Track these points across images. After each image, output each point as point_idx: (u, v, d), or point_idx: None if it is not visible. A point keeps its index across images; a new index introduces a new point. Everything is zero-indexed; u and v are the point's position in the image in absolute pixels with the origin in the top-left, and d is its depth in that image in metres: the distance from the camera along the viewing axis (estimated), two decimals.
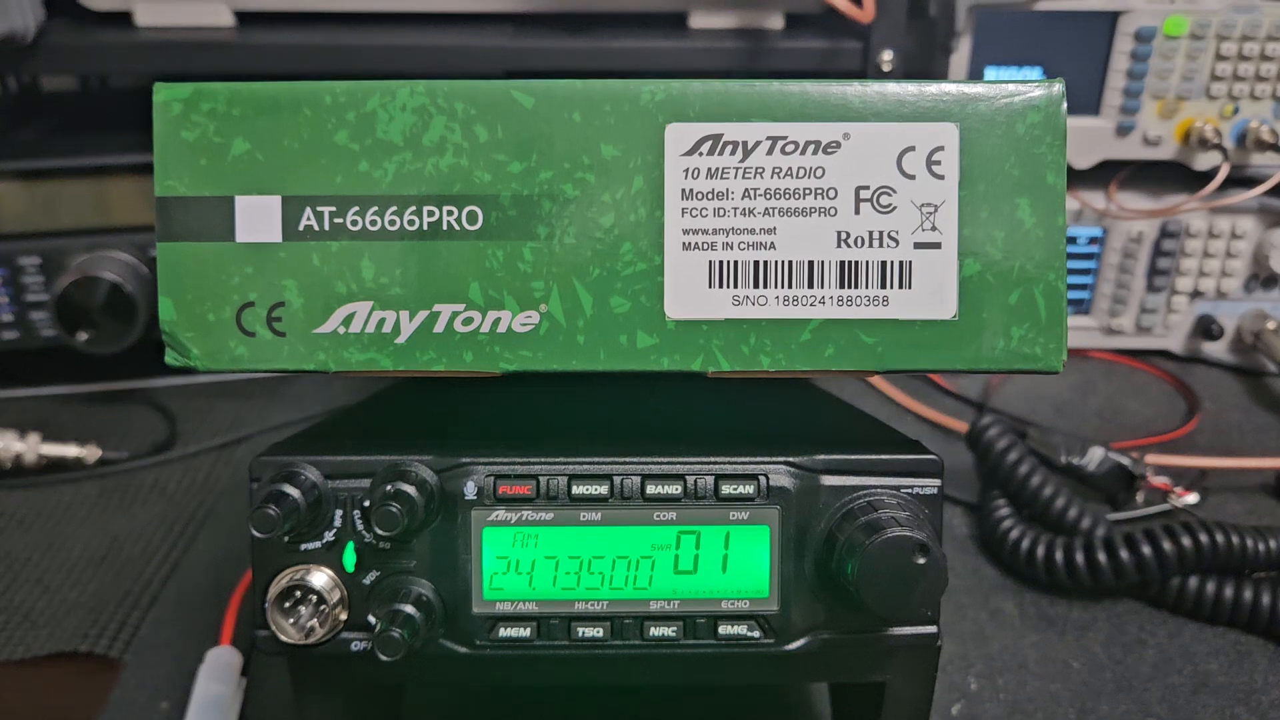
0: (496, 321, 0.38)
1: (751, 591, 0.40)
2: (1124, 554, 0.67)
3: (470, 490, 0.40)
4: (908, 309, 0.38)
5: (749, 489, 0.40)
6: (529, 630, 0.40)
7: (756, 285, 0.38)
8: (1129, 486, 0.77)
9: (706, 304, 0.38)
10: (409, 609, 0.38)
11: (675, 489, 0.40)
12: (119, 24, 0.89)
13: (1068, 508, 0.72)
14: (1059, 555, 0.70)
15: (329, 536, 0.40)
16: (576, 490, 0.40)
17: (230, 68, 0.89)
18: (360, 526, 0.40)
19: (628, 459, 0.40)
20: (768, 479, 0.40)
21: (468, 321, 0.38)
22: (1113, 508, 0.77)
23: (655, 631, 0.40)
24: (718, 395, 0.52)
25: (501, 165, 0.38)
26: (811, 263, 0.38)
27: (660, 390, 0.53)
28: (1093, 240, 0.95)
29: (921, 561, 0.37)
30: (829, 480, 0.41)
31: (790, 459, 0.40)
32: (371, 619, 0.39)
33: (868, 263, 0.38)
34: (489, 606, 0.40)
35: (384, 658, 0.37)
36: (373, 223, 0.38)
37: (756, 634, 0.40)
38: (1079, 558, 0.69)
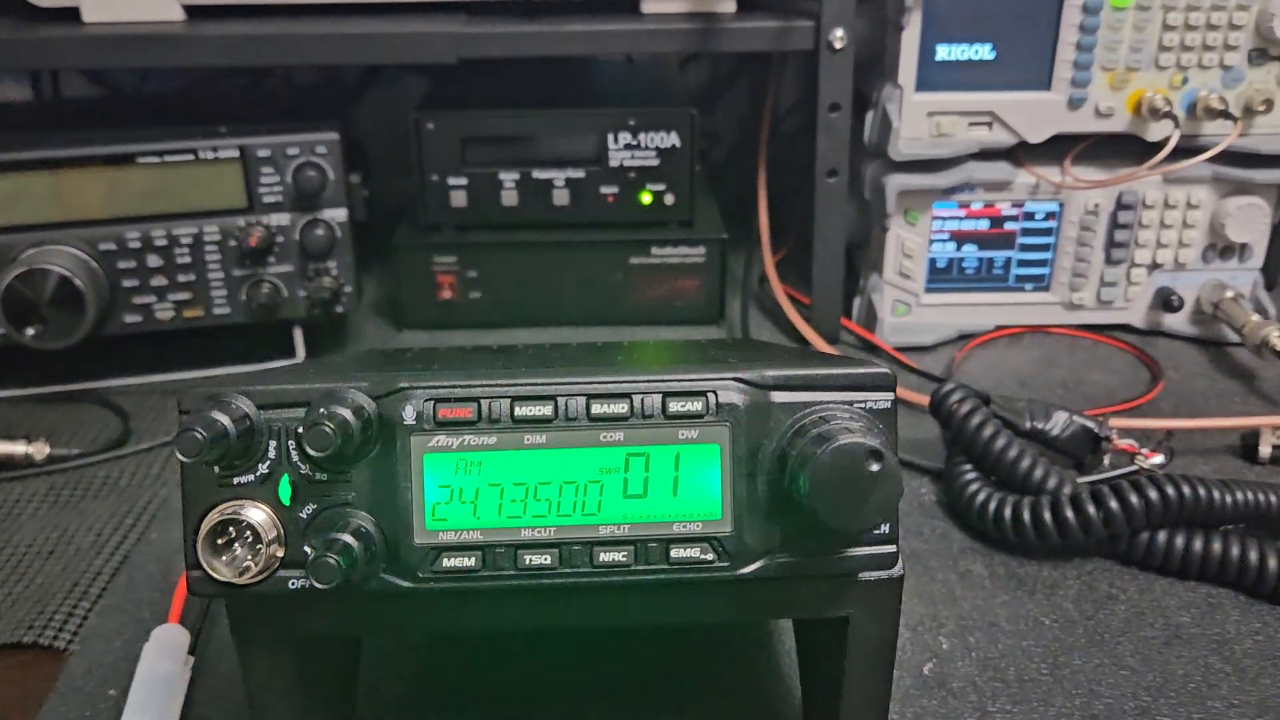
0: None
1: (704, 513, 0.39)
2: (1091, 510, 0.67)
3: (409, 415, 0.38)
4: None
5: (697, 405, 0.39)
6: (474, 559, 0.39)
7: None
8: (1095, 450, 0.77)
9: None
10: (347, 538, 0.37)
11: (622, 408, 0.39)
12: (66, 20, 0.88)
13: (1033, 468, 0.71)
14: (1026, 514, 0.69)
15: (263, 469, 0.39)
16: (520, 412, 0.39)
17: (180, 61, 0.88)
18: (296, 458, 0.39)
19: (572, 379, 0.39)
20: (717, 396, 0.39)
21: None
22: (1079, 472, 0.77)
23: (605, 557, 0.39)
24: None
25: None
26: None
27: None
28: (1049, 215, 0.95)
29: (875, 468, 0.36)
30: (780, 397, 0.40)
31: (740, 375, 0.39)
32: (308, 549, 0.38)
33: None
34: (432, 537, 0.39)
35: (318, 585, 0.36)
36: None
37: (710, 557, 0.39)
38: (1046, 516, 0.68)
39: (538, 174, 0.95)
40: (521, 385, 0.39)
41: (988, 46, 0.89)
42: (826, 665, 0.48)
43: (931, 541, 0.72)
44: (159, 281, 0.86)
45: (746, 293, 1.02)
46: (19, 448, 0.79)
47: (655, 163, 0.95)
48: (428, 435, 0.38)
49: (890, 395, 0.40)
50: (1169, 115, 0.88)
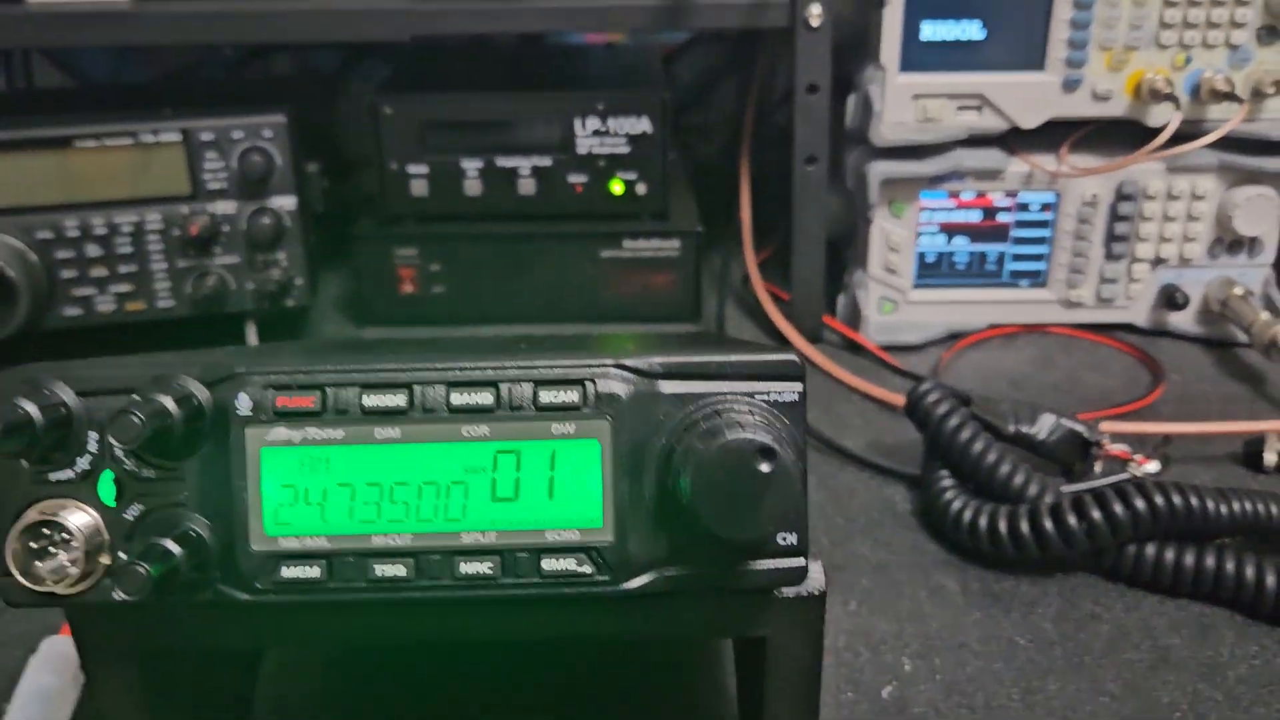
0: None
1: (582, 520, 0.34)
2: (1072, 520, 0.61)
3: (243, 404, 0.34)
4: None
5: (573, 396, 0.34)
6: (318, 569, 0.34)
7: None
8: (1084, 455, 0.71)
9: None
10: (167, 543, 0.32)
11: (486, 398, 0.34)
12: None
13: (1012, 475, 0.66)
14: (1003, 525, 0.63)
15: (83, 464, 0.34)
16: (369, 402, 0.34)
17: (127, 40, 0.85)
18: (120, 452, 0.34)
19: (429, 365, 0.34)
20: (595, 385, 0.34)
21: None
22: (1068, 479, 0.71)
23: (468, 569, 0.34)
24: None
25: None
26: None
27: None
28: (1045, 206, 0.89)
29: (765, 469, 0.31)
30: (669, 387, 0.35)
31: (622, 362, 0.34)
32: (123, 556, 0.33)
33: None
34: (271, 543, 0.34)
35: (123, 596, 0.31)
36: None
37: (588, 569, 0.34)
38: (1024, 526, 0.63)
39: (502, 161, 0.90)
40: (371, 371, 0.34)
41: (976, 24, 0.84)
42: (754, 687, 0.43)
43: (901, 553, 0.67)
44: (99, 272, 0.82)
45: (724, 288, 0.97)
46: None
47: (626, 150, 0.90)
48: (265, 427, 0.34)
49: (798, 386, 0.35)
50: (1171, 97, 0.82)
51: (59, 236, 0.81)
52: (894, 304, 0.92)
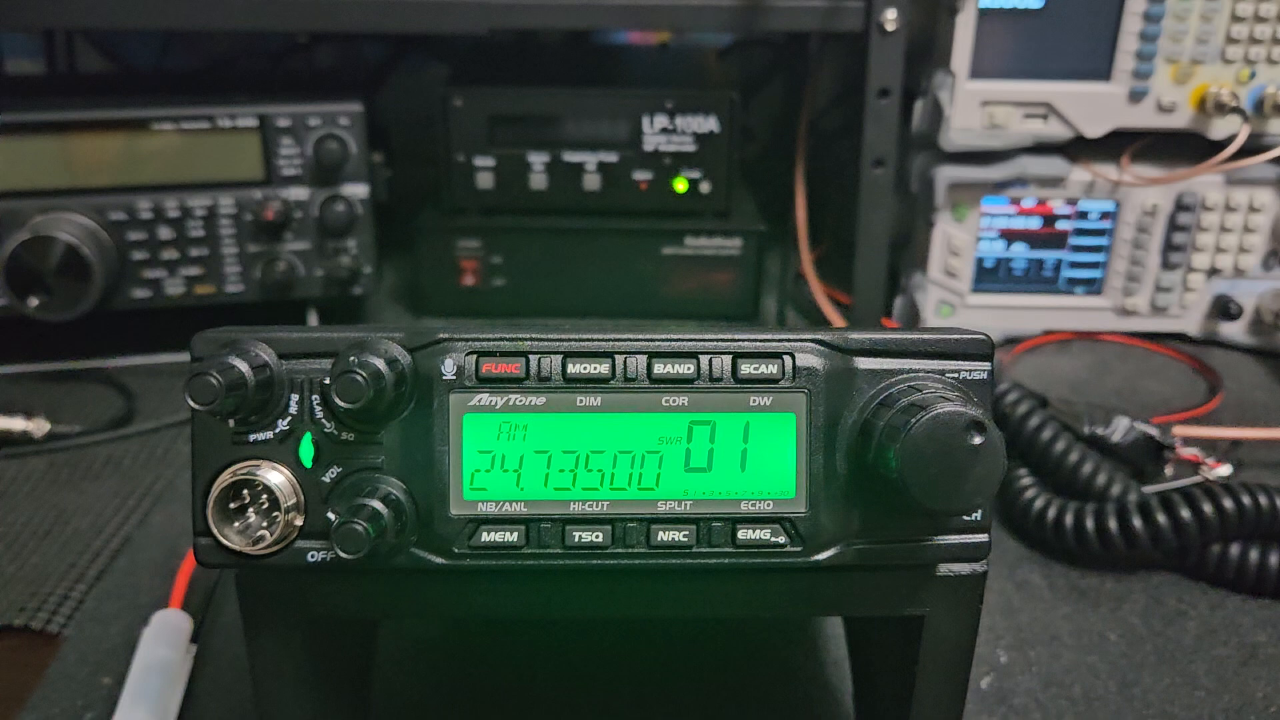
0: None
1: (775, 491, 0.35)
2: (1161, 518, 0.62)
3: (448, 369, 0.34)
4: None
5: (772, 369, 0.34)
6: (517, 535, 0.34)
7: None
8: (1157, 458, 0.72)
9: None
10: (376, 504, 0.33)
11: (688, 368, 0.34)
12: None
13: (1095, 474, 0.67)
14: (1090, 522, 0.64)
15: (283, 425, 0.34)
16: (573, 370, 0.34)
17: (200, 23, 0.84)
18: (320, 414, 0.34)
19: (632, 335, 0.35)
20: (794, 359, 0.35)
21: None
22: (1140, 481, 0.72)
23: (664, 536, 0.34)
24: None
25: None
26: None
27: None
28: (1104, 215, 0.91)
29: (977, 441, 0.32)
30: (865, 363, 0.35)
31: (820, 337, 0.35)
32: (331, 516, 0.33)
33: None
34: (470, 507, 0.34)
35: (344, 555, 0.31)
36: None
37: (782, 540, 0.35)
38: (1112, 524, 0.63)
39: (568, 156, 0.91)
40: (576, 340, 0.34)
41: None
42: (890, 674, 0.44)
43: None
44: (170, 255, 0.82)
45: (784, 289, 0.98)
46: (17, 424, 0.75)
47: (692, 148, 0.91)
48: (469, 393, 0.34)
49: (987, 365, 0.36)
50: (1236, 110, 0.83)
51: (132, 218, 0.80)
52: (952, 307, 0.93)
